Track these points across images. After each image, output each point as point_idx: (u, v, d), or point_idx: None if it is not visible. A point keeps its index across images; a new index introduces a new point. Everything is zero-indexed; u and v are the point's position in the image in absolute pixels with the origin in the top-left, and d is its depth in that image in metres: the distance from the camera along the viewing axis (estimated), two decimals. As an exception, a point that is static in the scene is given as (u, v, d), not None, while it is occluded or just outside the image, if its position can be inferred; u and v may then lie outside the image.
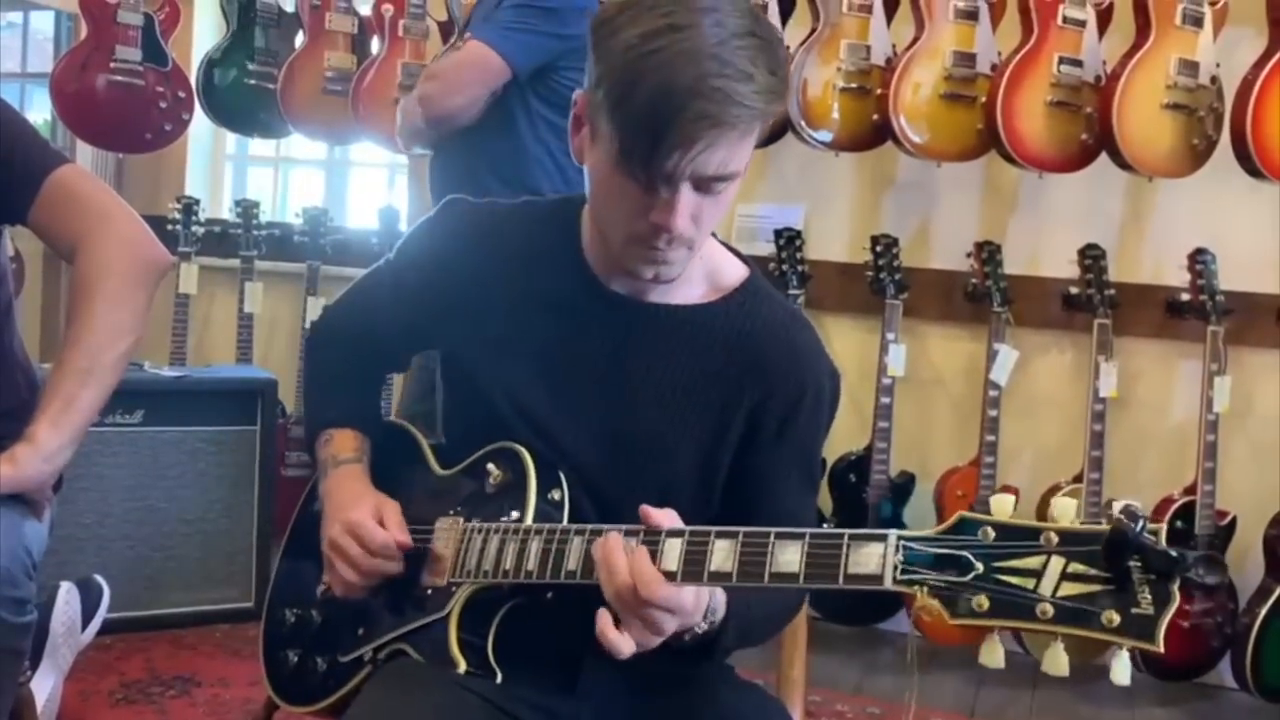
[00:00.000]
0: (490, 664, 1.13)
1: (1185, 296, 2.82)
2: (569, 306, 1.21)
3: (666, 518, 1.05)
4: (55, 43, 4.15)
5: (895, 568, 0.92)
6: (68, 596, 2.01)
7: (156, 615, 2.75)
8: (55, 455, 1.37)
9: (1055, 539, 0.89)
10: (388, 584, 1.20)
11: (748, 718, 1.20)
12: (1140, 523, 0.86)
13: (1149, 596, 0.86)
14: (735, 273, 1.25)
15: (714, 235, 1.24)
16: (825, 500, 3.00)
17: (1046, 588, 0.88)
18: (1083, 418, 2.86)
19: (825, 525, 2.97)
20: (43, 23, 4.24)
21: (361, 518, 1.19)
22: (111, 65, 3.38)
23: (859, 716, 2.61)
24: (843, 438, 3.05)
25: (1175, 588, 0.86)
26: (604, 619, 1.02)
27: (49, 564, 2.56)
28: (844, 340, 3.23)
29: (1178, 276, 2.83)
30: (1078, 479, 2.83)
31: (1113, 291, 2.85)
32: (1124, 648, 0.89)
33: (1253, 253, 2.89)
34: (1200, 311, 2.78)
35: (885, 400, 2.98)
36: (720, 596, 1.10)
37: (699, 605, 1.06)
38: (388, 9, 3.38)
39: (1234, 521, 2.80)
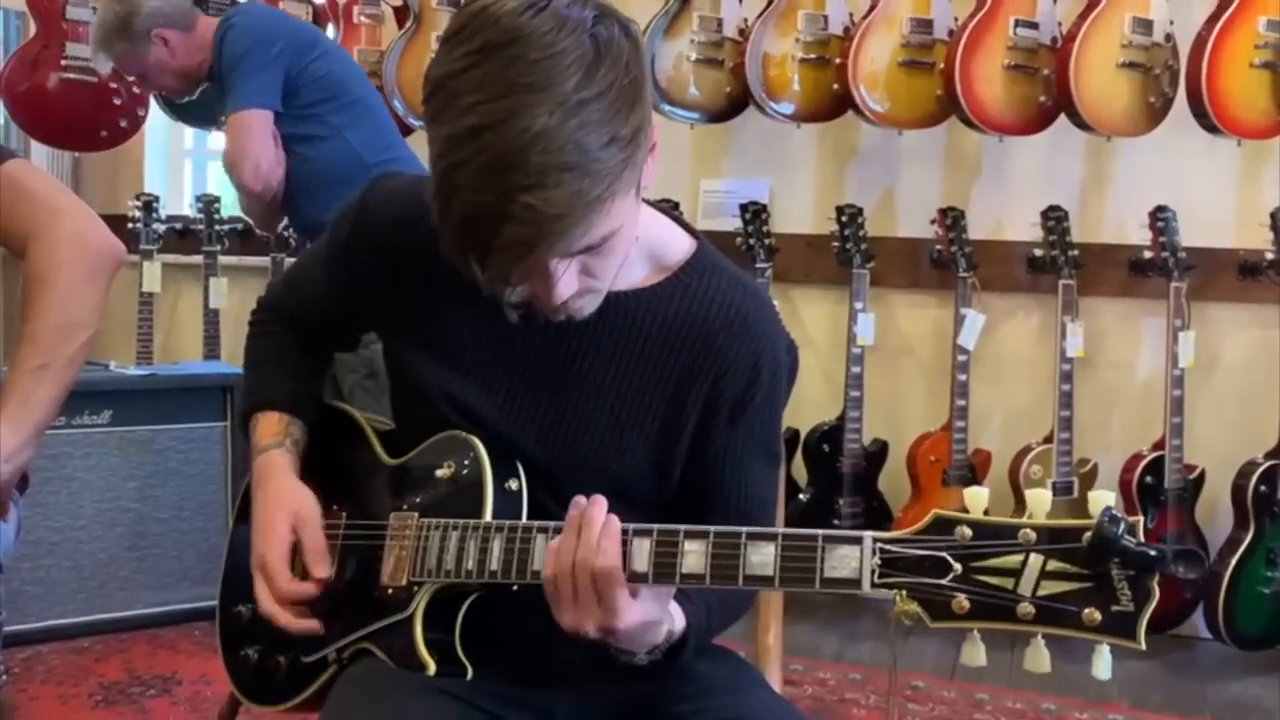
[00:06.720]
0: (460, 659, 1.10)
1: (1148, 254, 2.84)
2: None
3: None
4: (3, 42, 4.08)
5: (873, 571, 0.91)
6: None
7: (133, 616, 2.74)
8: (15, 455, 1.35)
9: (1033, 536, 0.87)
10: (344, 582, 1.17)
11: (724, 687, 1.18)
12: (1121, 525, 0.85)
13: (1129, 593, 0.85)
14: (681, 248, 1.16)
15: (659, 207, 1.17)
16: (800, 471, 3.02)
17: (1026, 587, 0.87)
18: (1051, 379, 2.88)
19: (801, 496, 3.01)
20: (-11, 22, 4.17)
21: (273, 560, 1.14)
22: (62, 63, 3.34)
23: (841, 683, 2.63)
24: (815, 408, 3.07)
25: (1155, 584, 0.85)
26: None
27: (22, 569, 2.60)
28: (813, 311, 3.25)
29: (1140, 235, 2.85)
30: (1048, 439, 2.86)
31: (1076, 252, 2.86)
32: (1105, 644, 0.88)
33: (1212, 208, 2.92)
34: (1163, 269, 2.80)
35: (856, 369, 2.99)
36: (677, 612, 1.06)
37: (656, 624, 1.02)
38: (342, -5, 3.35)
39: (1202, 474, 2.83)
